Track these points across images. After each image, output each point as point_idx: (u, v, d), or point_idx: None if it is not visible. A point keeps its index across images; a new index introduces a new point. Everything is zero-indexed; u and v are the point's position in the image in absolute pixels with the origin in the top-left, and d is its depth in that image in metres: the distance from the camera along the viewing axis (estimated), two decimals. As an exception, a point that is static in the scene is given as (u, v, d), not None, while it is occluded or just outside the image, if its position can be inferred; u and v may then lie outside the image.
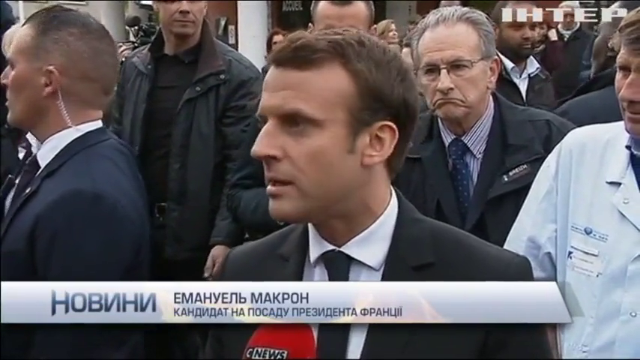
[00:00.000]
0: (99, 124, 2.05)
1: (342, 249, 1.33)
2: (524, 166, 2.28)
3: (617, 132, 1.95)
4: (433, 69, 2.29)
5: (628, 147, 1.90)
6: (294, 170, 1.26)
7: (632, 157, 1.90)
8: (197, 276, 3.20)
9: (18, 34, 2.03)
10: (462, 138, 2.36)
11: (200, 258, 3.24)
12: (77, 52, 1.99)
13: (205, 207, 3.31)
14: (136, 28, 4.27)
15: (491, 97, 2.40)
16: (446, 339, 1.26)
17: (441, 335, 1.26)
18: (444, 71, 2.27)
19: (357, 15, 2.81)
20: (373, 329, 1.27)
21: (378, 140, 1.30)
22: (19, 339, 1.83)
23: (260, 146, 1.26)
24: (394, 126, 1.30)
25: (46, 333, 1.78)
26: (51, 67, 1.96)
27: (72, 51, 1.98)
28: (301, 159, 1.26)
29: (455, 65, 2.28)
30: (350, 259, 1.33)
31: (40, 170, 1.98)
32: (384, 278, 1.31)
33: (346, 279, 1.32)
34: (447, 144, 2.39)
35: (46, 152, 1.99)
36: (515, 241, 2.06)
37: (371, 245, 1.33)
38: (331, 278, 1.33)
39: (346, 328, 1.28)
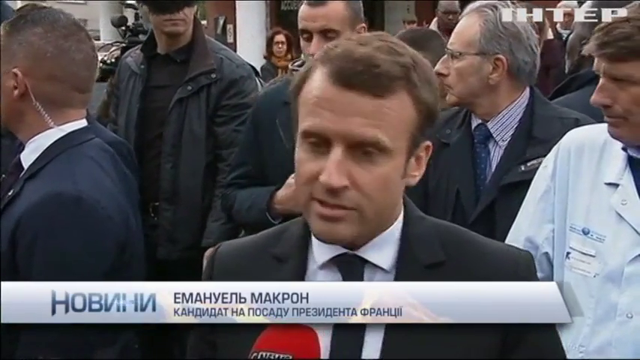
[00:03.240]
0: (83, 123, 2.03)
1: (357, 252, 1.31)
2: (543, 159, 2.30)
3: None
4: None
5: (624, 149, 1.91)
6: (361, 198, 1.24)
7: (630, 158, 1.90)
8: (191, 275, 3.18)
9: None
10: (487, 124, 2.43)
11: (193, 257, 3.21)
12: (40, 52, 1.95)
13: (198, 206, 3.29)
14: (123, 28, 4.25)
15: (527, 90, 2.46)
16: (458, 339, 1.26)
17: (451, 335, 1.25)
18: (443, 57, 2.47)
19: (328, 15, 2.76)
20: (389, 332, 1.27)
21: (417, 160, 1.31)
22: (10, 335, 1.83)
23: (332, 178, 1.22)
24: (430, 143, 1.32)
25: (34, 333, 1.76)
26: (15, 70, 1.93)
27: (35, 51, 1.95)
28: (370, 187, 1.24)
29: (452, 55, 2.44)
30: (364, 262, 1.32)
31: (24, 172, 1.96)
32: (396, 279, 1.30)
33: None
34: (473, 128, 2.47)
35: (29, 153, 1.98)
36: (514, 242, 2.05)
37: (383, 247, 1.32)
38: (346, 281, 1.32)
39: (361, 329, 1.28)
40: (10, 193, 1.93)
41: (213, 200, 3.27)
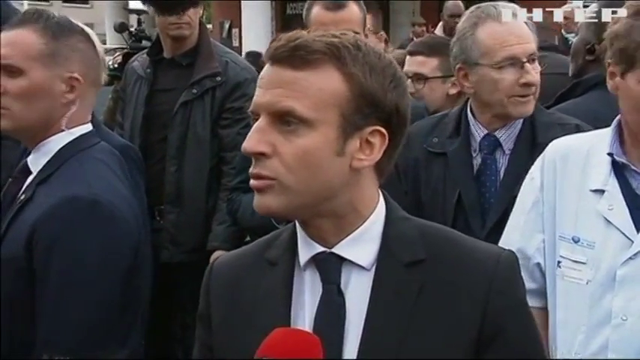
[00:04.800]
0: (89, 127, 2.03)
1: (333, 250, 1.32)
2: None
3: (597, 141, 1.96)
4: (514, 63, 2.29)
5: (610, 154, 1.91)
6: (281, 167, 1.26)
7: (614, 164, 1.90)
8: (193, 278, 3.19)
9: (17, 39, 1.94)
10: (495, 133, 2.37)
11: (196, 260, 3.21)
12: (90, 58, 2.00)
13: (202, 209, 3.30)
14: (127, 33, 4.28)
15: None
16: (435, 335, 1.27)
17: (428, 332, 1.27)
18: (528, 65, 2.28)
19: (351, 19, 2.79)
20: (367, 330, 1.28)
21: (368, 144, 1.30)
22: (19, 338, 1.84)
23: (250, 142, 1.27)
24: (385, 131, 1.30)
25: (50, 332, 1.80)
26: (75, 74, 1.94)
27: (87, 57, 1.99)
28: (290, 157, 1.25)
29: (532, 59, 2.30)
30: (341, 260, 1.32)
31: (34, 176, 1.95)
32: (376, 277, 1.31)
33: (338, 280, 1.32)
34: (478, 139, 2.39)
35: (38, 157, 1.96)
36: None
37: (361, 245, 1.33)
38: (323, 279, 1.32)
39: (341, 326, 1.30)
40: (21, 198, 1.92)
41: (218, 203, 3.27)
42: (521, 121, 2.37)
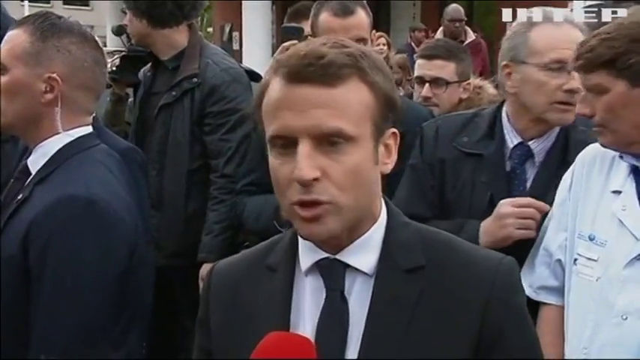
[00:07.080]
0: (89, 128, 2.04)
1: (337, 256, 1.32)
2: None
3: None
4: (561, 67, 2.20)
5: (620, 157, 1.95)
6: (333, 189, 1.24)
7: (634, 166, 1.94)
8: (185, 283, 3.20)
9: (10, 38, 1.99)
10: (529, 143, 2.30)
11: (177, 265, 3.19)
12: (79, 60, 1.98)
13: (181, 214, 3.23)
14: (124, 36, 4.28)
15: None
16: (434, 338, 1.27)
17: (428, 335, 1.27)
18: (574, 72, 2.15)
19: (360, 24, 2.79)
20: (368, 333, 1.28)
21: (386, 148, 1.32)
22: (16, 338, 1.83)
23: (304, 171, 1.22)
24: (397, 131, 1.32)
25: (44, 331, 1.80)
26: (54, 75, 1.94)
27: (74, 59, 1.98)
28: (341, 178, 1.24)
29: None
30: (345, 266, 1.32)
31: (32, 176, 1.96)
32: (376, 283, 1.31)
33: (342, 286, 1.32)
34: (510, 146, 2.31)
35: (37, 158, 1.98)
36: (534, 251, 2.15)
37: (364, 251, 1.33)
38: (326, 286, 1.32)
39: (344, 332, 1.29)
40: (19, 198, 1.93)
41: (207, 214, 3.20)
42: (556, 134, 2.29)
